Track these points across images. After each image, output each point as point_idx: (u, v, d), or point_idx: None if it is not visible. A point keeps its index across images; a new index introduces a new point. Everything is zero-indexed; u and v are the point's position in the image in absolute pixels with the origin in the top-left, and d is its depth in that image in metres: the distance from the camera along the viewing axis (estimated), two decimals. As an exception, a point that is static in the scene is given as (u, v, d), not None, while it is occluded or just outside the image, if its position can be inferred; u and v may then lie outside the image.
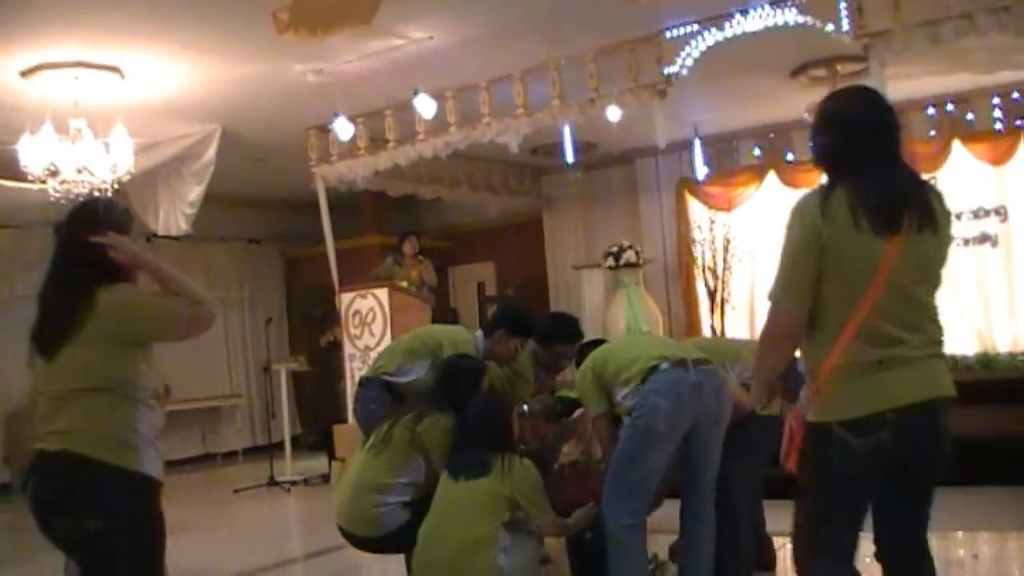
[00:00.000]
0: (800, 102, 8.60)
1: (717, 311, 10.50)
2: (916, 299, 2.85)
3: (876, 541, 3.00)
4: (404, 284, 10.16)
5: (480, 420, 4.51)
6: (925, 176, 3.05)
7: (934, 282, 2.92)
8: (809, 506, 2.98)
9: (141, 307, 3.11)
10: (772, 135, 10.67)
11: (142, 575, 3.07)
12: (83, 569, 3.11)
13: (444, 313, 11.89)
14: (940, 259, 2.92)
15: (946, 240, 2.93)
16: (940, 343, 2.91)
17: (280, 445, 11.15)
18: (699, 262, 10.82)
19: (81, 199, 3.51)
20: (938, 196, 2.94)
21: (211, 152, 9.10)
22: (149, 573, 3.09)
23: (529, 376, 5.38)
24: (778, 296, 2.89)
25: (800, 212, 2.86)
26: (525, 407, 5.31)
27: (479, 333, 5.33)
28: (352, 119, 8.62)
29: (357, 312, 9.70)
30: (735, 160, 10.91)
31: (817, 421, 2.85)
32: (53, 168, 7.44)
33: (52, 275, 3.15)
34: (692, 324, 10.92)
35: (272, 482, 10.10)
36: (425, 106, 8.02)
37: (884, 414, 2.75)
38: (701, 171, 10.45)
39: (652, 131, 7.71)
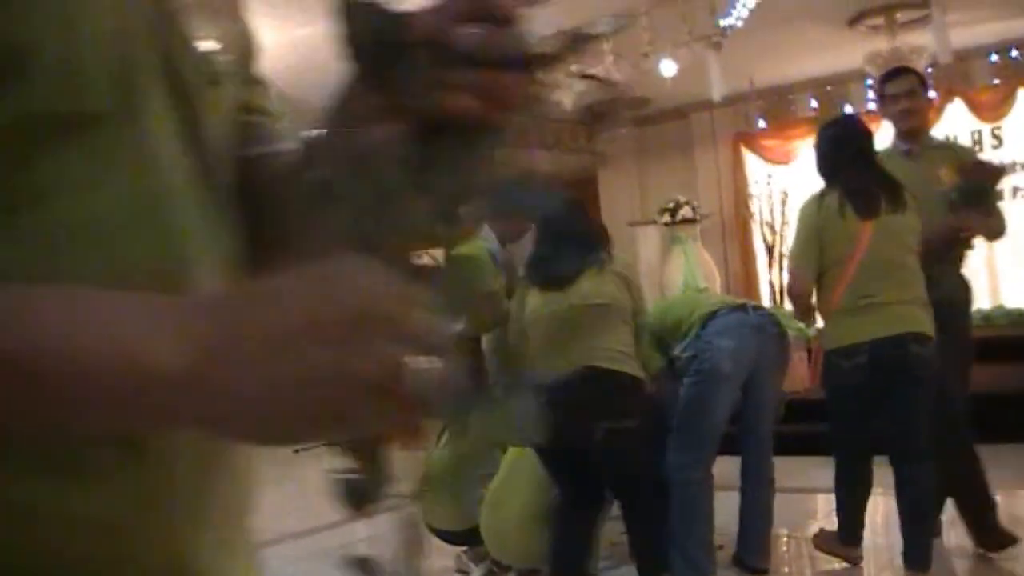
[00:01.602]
0: (858, 53, 8.44)
1: (775, 266, 10.38)
2: (892, 261, 4.02)
3: (884, 443, 4.11)
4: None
5: None
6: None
7: (910, 247, 4.08)
8: (828, 411, 4.29)
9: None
10: (829, 87, 10.46)
11: (640, 463, 4.01)
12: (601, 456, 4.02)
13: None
14: (914, 229, 4.10)
15: (915, 218, 4.13)
16: (916, 291, 4.05)
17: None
18: (757, 217, 10.72)
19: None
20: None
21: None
22: (645, 461, 4.03)
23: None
24: (795, 266, 4.37)
25: (804, 209, 4.28)
26: None
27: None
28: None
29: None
30: (792, 113, 10.74)
31: (825, 349, 4.23)
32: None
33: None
34: (750, 280, 10.82)
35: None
36: (477, 64, 7.96)
37: (862, 344, 4.00)
38: (757, 124, 10.31)
39: (706, 85, 7.61)
